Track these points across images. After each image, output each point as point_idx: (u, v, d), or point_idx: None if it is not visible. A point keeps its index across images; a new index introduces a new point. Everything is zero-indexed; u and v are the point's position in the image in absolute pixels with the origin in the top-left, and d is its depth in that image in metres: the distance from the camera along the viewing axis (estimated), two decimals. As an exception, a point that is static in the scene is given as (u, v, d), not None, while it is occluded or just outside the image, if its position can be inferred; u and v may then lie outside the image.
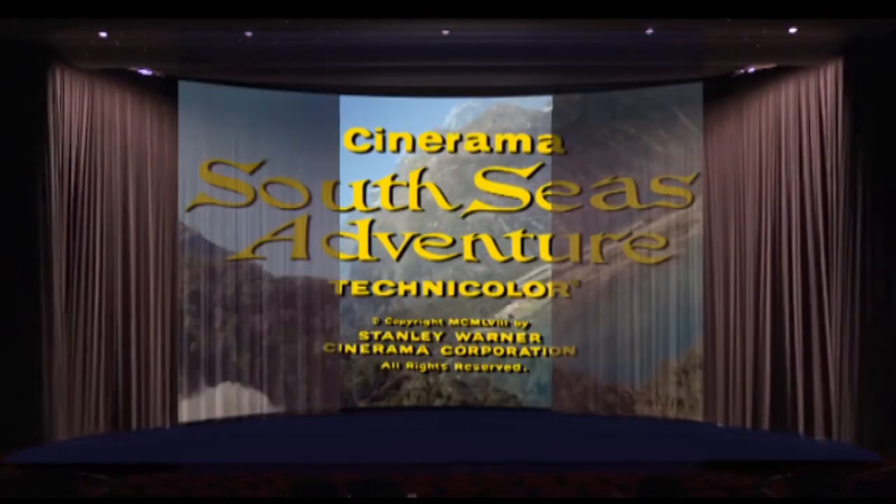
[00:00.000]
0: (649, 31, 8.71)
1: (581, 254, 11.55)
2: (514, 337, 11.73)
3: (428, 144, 11.76)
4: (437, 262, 11.78)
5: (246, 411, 11.13)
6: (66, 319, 9.57)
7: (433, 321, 11.78)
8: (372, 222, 11.71)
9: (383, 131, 11.70)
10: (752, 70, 10.31)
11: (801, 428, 9.68)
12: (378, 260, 11.77)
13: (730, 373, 10.55)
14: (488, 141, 11.73)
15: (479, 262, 11.76)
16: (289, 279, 11.52)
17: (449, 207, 11.78)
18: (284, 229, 11.48)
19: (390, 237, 11.75)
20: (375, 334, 11.75)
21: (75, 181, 9.79)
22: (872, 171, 9.02)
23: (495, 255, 11.75)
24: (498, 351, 11.75)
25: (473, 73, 10.21)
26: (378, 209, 11.73)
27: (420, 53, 9.42)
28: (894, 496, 6.26)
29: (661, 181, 11.25)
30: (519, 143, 11.70)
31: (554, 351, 11.63)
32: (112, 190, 10.23)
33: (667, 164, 11.24)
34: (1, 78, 9.05)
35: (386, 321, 11.77)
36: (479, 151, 11.73)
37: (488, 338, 11.76)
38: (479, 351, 11.76)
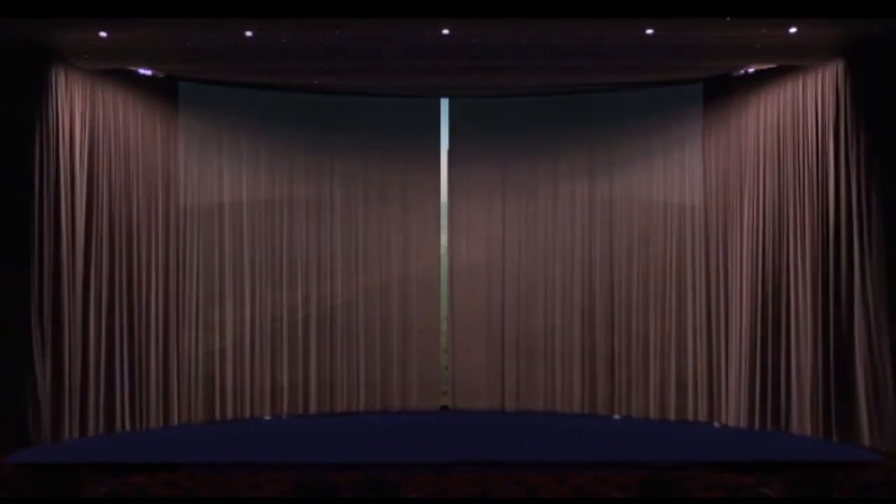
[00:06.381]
0: (649, 31, 8.70)
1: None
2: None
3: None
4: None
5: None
6: (66, 320, 9.54)
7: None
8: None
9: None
10: (752, 70, 10.31)
11: (801, 428, 9.68)
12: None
13: (730, 372, 10.55)
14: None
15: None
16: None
17: None
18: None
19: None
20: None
21: (77, 181, 9.75)
22: (873, 170, 9.02)
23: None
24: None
25: (472, 72, 10.18)
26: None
27: (420, 54, 9.40)
28: (894, 496, 6.28)
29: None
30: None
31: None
32: (112, 190, 10.21)
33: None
34: (1, 78, 9.05)
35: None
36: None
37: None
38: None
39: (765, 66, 10.14)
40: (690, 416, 10.84)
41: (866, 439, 9.02)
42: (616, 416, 11.17)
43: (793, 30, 8.72)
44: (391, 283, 11.69)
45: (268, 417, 11.15)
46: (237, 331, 11.17)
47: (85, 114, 9.96)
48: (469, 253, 11.74)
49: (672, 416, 10.91)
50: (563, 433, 10.24)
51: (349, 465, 8.25)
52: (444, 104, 11.68)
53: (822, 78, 9.58)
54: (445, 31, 8.78)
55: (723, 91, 10.77)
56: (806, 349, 9.66)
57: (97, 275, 10.00)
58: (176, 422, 10.67)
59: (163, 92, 10.77)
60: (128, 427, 10.18)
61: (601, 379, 11.34)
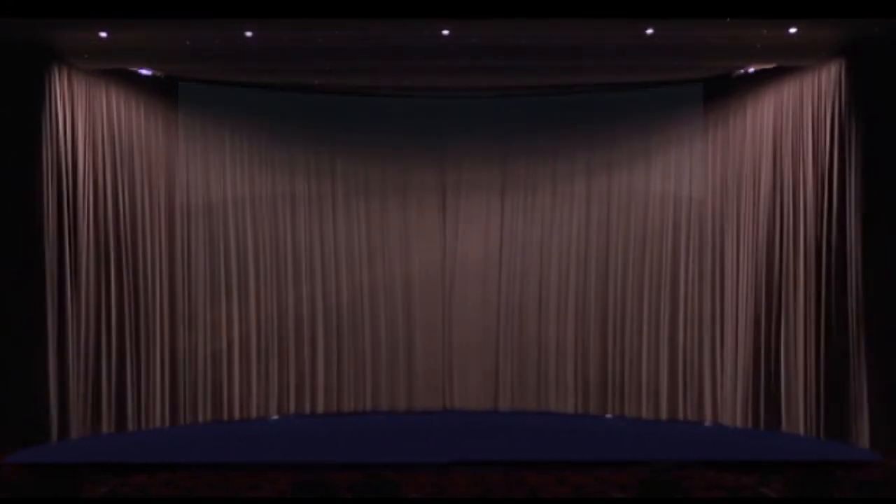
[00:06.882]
0: (649, 31, 8.70)
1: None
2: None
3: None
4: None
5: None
6: (71, 319, 9.54)
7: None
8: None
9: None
10: (752, 70, 10.31)
11: (800, 428, 9.68)
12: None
13: (726, 372, 10.54)
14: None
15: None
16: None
17: None
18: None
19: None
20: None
21: (80, 181, 9.76)
22: (872, 170, 9.01)
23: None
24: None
25: (473, 73, 10.19)
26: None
27: (420, 54, 9.41)
28: (894, 496, 6.28)
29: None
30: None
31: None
32: (112, 190, 10.21)
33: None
34: (1, 78, 9.04)
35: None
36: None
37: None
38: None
39: (765, 66, 10.14)
40: (683, 416, 10.83)
41: (855, 438, 9.05)
42: (608, 416, 11.16)
43: (793, 30, 8.72)
44: (394, 282, 11.68)
45: (275, 417, 11.14)
46: (242, 330, 11.15)
47: (86, 114, 9.96)
48: (467, 252, 11.73)
49: (664, 415, 10.91)
50: (560, 433, 10.25)
51: (349, 465, 8.25)
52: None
53: (822, 78, 9.58)
54: (445, 32, 8.78)
55: (723, 91, 10.76)
56: (803, 349, 9.66)
57: (105, 274, 10.02)
58: (182, 422, 10.66)
59: (163, 92, 10.77)
60: (134, 427, 10.18)
61: (595, 378, 11.31)
